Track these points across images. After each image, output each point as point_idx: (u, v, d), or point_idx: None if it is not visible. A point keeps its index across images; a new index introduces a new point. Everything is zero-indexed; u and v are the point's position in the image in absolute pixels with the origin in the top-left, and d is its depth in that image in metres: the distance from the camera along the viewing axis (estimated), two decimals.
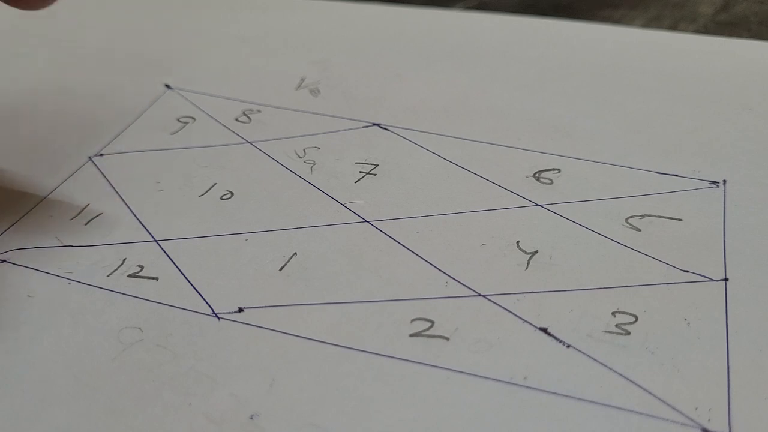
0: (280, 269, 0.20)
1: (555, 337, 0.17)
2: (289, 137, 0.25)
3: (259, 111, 0.26)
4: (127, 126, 0.26)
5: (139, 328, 0.18)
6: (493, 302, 0.18)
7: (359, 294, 0.19)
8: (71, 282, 0.19)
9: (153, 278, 0.19)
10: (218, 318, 0.18)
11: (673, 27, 0.32)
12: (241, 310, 0.19)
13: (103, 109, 0.26)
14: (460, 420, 0.16)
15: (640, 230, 0.20)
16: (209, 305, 0.19)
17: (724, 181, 0.22)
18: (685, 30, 0.31)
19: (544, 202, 0.22)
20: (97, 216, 0.22)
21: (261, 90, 0.27)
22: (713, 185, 0.22)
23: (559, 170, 0.23)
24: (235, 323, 0.18)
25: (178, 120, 0.26)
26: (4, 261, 0.20)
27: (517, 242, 0.20)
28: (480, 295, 0.19)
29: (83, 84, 0.27)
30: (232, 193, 0.22)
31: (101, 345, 0.18)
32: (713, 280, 0.19)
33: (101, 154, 0.24)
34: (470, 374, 0.17)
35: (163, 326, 0.18)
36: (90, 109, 0.27)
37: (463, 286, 0.19)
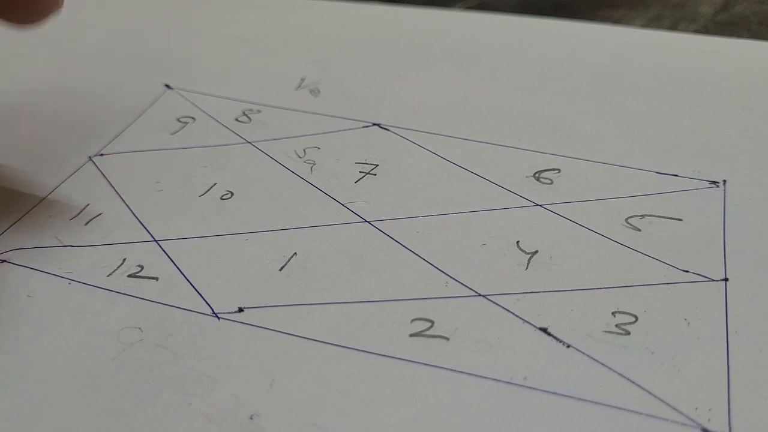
0: (280, 269, 0.20)
1: (555, 337, 0.17)
2: (289, 137, 0.25)
3: (259, 111, 0.26)
4: (127, 126, 0.26)
5: (139, 328, 0.18)
6: (493, 302, 0.18)
7: (359, 294, 0.19)
8: (71, 282, 0.19)
9: (153, 278, 0.19)
10: (218, 318, 0.18)
11: (673, 27, 0.32)
12: (241, 310, 0.19)
13: (103, 109, 0.26)
14: (460, 420, 0.16)
15: (640, 230, 0.20)
16: (209, 305, 0.19)
17: (724, 181, 0.22)
18: (685, 30, 0.31)
19: (544, 202, 0.22)
20: (97, 216, 0.22)
21: (261, 90, 0.27)
22: (713, 185, 0.22)
23: (559, 170, 0.23)
24: (235, 323, 0.18)
25: (178, 120, 0.26)
26: (4, 261, 0.20)
27: (517, 242, 0.20)
28: (480, 295, 0.19)
29: (83, 84, 0.27)
30: (232, 193, 0.22)
31: (101, 345, 0.18)
32: (713, 280, 0.19)
33: (101, 154, 0.24)
34: (470, 374, 0.17)
35: (163, 326, 0.18)
36: (90, 109, 0.27)
37: (463, 286, 0.19)
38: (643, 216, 0.21)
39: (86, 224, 0.21)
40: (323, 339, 0.18)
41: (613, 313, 0.18)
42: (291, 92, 0.27)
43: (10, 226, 0.21)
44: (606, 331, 0.18)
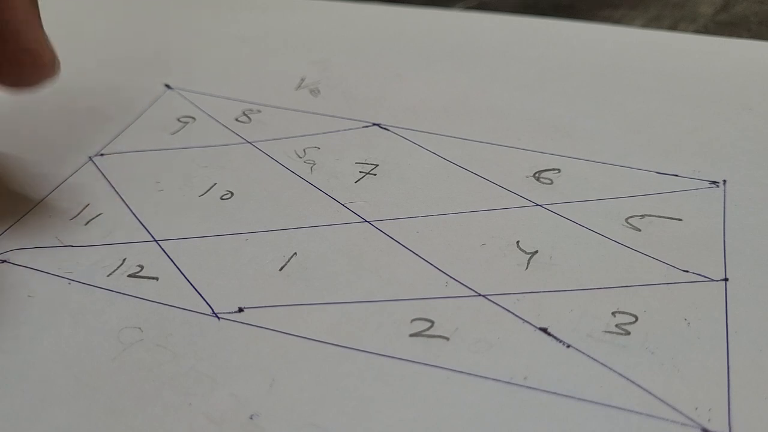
0: (280, 269, 0.20)
1: (555, 337, 0.18)
2: (289, 137, 0.25)
3: (259, 111, 0.26)
4: (127, 126, 0.26)
5: (139, 328, 0.18)
6: (493, 302, 0.18)
7: (359, 294, 0.19)
8: (71, 282, 0.19)
9: (153, 278, 0.19)
10: (218, 318, 0.18)
11: (673, 27, 0.32)
12: (241, 310, 0.19)
13: (103, 110, 0.26)
14: (460, 420, 0.16)
15: (640, 230, 0.20)
16: (209, 305, 0.19)
17: (724, 181, 0.22)
18: (685, 30, 0.31)
19: (544, 202, 0.22)
20: (97, 216, 0.22)
21: (261, 90, 0.27)
22: (713, 185, 0.22)
23: (559, 170, 0.23)
24: (235, 323, 0.18)
25: (178, 120, 0.26)
26: (4, 261, 0.20)
27: (517, 242, 0.20)
28: (480, 295, 0.19)
29: (83, 84, 0.27)
30: (232, 193, 0.22)
31: (101, 345, 0.18)
32: (713, 280, 0.19)
33: (101, 154, 0.24)
34: (470, 374, 0.17)
35: (163, 326, 0.18)
36: (90, 109, 0.27)
37: (463, 286, 0.19)
38: (643, 216, 0.21)
39: (86, 224, 0.21)
40: (323, 339, 0.18)
41: (613, 313, 0.18)
42: (291, 92, 0.27)
43: (10, 226, 0.21)
44: (606, 331, 0.18)
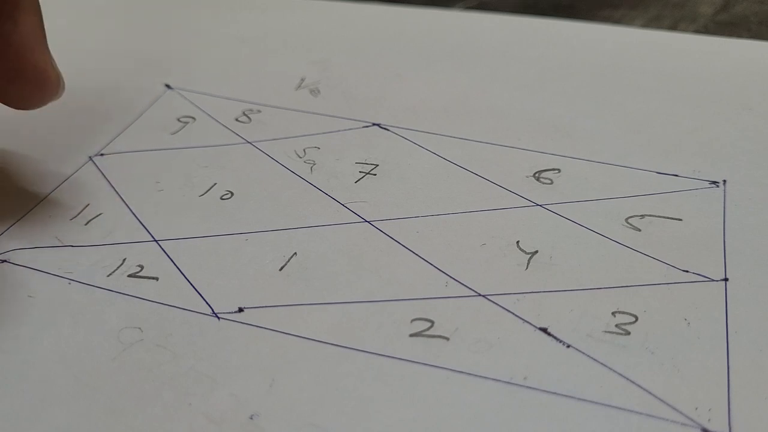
0: (280, 269, 0.20)
1: (555, 337, 0.18)
2: (289, 137, 0.25)
3: (259, 111, 0.26)
4: (127, 126, 0.26)
5: (139, 328, 0.18)
6: (493, 302, 0.18)
7: (359, 294, 0.19)
8: (71, 282, 0.19)
9: (153, 278, 0.19)
10: (218, 318, 0.18)
11: (673, 27, 0.32)
12: (241, 310, 0.19)
13: (103, 110, 0.26)
14: (460, 420, 0.16)
15: (640, 230, 0.20)
16: (209, 305, 0.19)
17: (724, 181, 0.22)
18: (685, 30, 0.31)
19: (544, 202, 0.22)
20: (97, 216, 0.22)
21: (261, 90, 0.27)
22: (713, 185, 0.22)
23: (559, 170, 0.23)
24: (235, 323, 0.18)
25: (178, 120, 0.26)
26: (4, 261, 0.20)
27: (517, 242, 0.20)
28: (480, 295, 0.19)
29: (83, 84, 0.27)
30: (232, 193, 0.22)
31: (101, 345, 0.18)
32: (713, 280, 0.19)
33: (101, 154, 0.24)
34: (470, 374, 0.17)
35: (163, 326, 0.18)
36: (90, 109, 0.27)
37: (463, 286, 0.19)
38: (643, 216, 0.21)
39: (86, 224, 0.21)
40: (323, 339, 0.18)
41: (613, 313, 0.18)
42: (291, 92, 0.27)
43: (10, 226, 0.21)
44: (606, 331, 0.18)
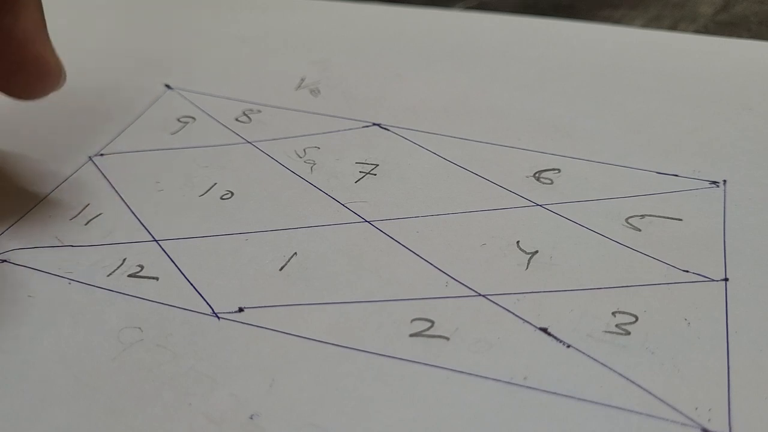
0: (280, 269, 0.20)
1: (555, 337, 0.17)
2: (289, 137, 0.25)
3: (259, 111, 0.26)
4: (127, 126, 0.26)
5: (139, 328, 0.18)
6: (493, 302, 0.18)
7: (359, 294, 0.19)
8: (71, 282, 0.19)
9: (153, 278, 0.19)
10: (218, 318, 0.18)
11: (673, 27, 0.32)
12: (241, 310, 0.19)
13: (103, 110, 0.26)
14: (460, 420, 0.16)
15: (640, 230, 0.20)
16: (209, 305, 0.19)
17: (724, 181, 0.22)
18: (685, 30, 0.31)
19: (544, 202, 0.22)
20: (97, 216, 0.22)
21: (261, 90, 0.27)
22: (713, 185, 0.22)
23: (559, 170, 0.23)
24: (235, 323, 0.18)
25: (178, 120, 0.26)
26: (4, 261, 0.20)
27: (517, 242, 0.20)
28: (480, 295, 0.19)
29: (83, 84, 0.27)
30: (232, 193, 0.22)
31: (101, 345, 0.18)
32: (713, 280, 0.19)
33: (101, 154, 0.24)
34: (470, 374, 0.17)
35: (163, 326, 0.18)
36: (90, 109, 0.27)
37: (463, 286, 0.19)
38: (643, 216, 0.21)
39: (86, 224, 0.21)
40: (323, 339, 0.18)
41: (613, 313, 0.18)
42: (291, 92, 0.27)
43: (10, 226, 0.21)
44: (606, 331, 0.18)
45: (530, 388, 0.16)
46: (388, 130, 0.25)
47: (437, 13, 0.32)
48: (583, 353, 0.17)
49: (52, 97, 0.21)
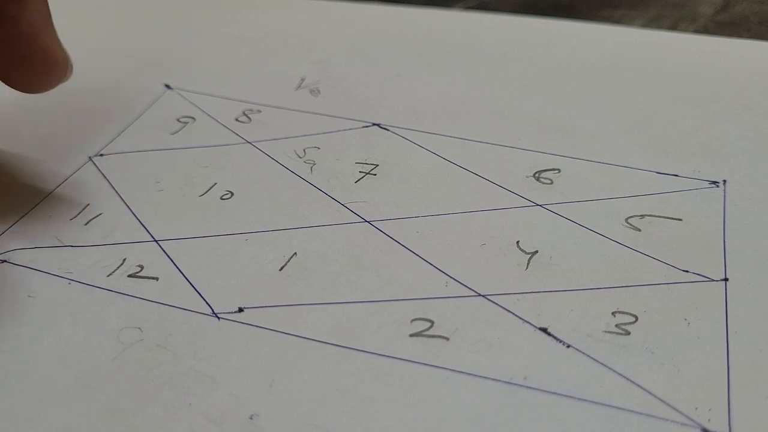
0: (280, 269, 0.20)
1: (555, 337, 0.18)
2: (289, 137, 0.25)
3: (259, 111, 0.26)
4: (127, 126, 0.26)
5: (139, 328, 0.18)
6: (493, 302, 0.18)
7: (359, 294, 0.19)
8: (71, 282, 0.19)
9: (153, 278, 0.19)
10: (218, 318, 0.18)
11: (673, 27, 0.32)
12: (241, 310, 0.19)
13: (103, 110, 0.26)
14: (460, 420, 0.16)
15: (640, 230, 0.20)
16: (209, 305, 0.19)
17: (724, 181, 0.22)
18: (685, 30, 0.31)
19: (544, 202, 0.22)
20: (97, 216, 0.22)
21: (261, 90, 0.27)
22: (713, 185, 0.22)
23: (559, 170, 0.23)
24: (235, 323, 0.18)
25: (178, 120, 0.26)
26: (4, 261, 0.20)
27: (517, 242, 0.20)
28: (480, 295, 0.19)
29: (83, 84, 0.27)
30: (232, 193, 0.22)
31: (101, 345, 0.18)
32: (713, 280, 0.19)
33: (101, 154, 0.24)
34: (470, 374, 0.17)
35: (163, 326, 0.18)
36: (90, 109, 0.27)
37: (463, 286, 0.19)
38: (643, 216, 0.21)
39: (86, 224, 0.21)
40: (323, 339, 0.18)
41: (613, 313, 0.18)
42: (291, 92, 0.27)
43: (10, 226, 0.21)
44: (606, 331, 0.18)
45: (530, 388, 0.16)
46: (388, 130, 0.25)
47: (437, 13, 0.32)
48: (583, 353, 0.17)
49: (52, 97, 0.21)
